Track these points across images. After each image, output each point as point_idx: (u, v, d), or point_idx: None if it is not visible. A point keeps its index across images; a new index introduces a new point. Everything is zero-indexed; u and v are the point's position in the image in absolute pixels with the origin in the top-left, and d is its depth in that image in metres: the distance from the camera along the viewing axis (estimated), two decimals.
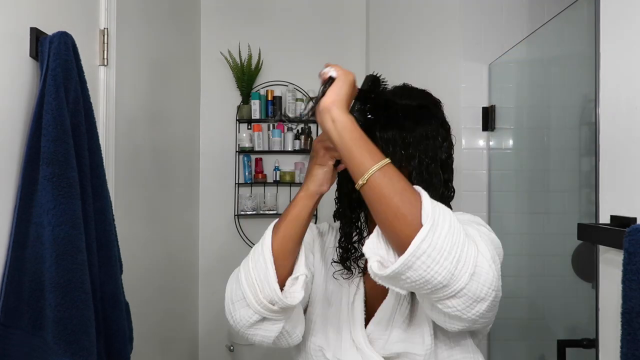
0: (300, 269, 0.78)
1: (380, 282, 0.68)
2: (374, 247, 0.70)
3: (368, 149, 0.70)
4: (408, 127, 0.83)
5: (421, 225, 0.64)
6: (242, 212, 2.61)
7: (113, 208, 1.17)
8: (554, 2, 1.90)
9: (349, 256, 0.90)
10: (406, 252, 0.63)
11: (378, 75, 0.84)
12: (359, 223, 0.92)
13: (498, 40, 1.93)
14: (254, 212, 2.59)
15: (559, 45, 1.67)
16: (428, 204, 0.66)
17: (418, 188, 0.70)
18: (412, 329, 0.84)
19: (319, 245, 0.97)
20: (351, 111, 0.77)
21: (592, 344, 1.29)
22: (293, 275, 0.78)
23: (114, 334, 1.11)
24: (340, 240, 0.92)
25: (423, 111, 0.86)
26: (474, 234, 0.70)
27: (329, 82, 0.75)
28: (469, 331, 0.85)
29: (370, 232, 0.93)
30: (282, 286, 0.77)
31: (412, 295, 0.85)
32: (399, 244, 0.66)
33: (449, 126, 0.90)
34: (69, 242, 0.94)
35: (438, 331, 0.84)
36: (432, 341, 0.82)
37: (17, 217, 0.94)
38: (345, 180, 0.89)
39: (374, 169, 0.68)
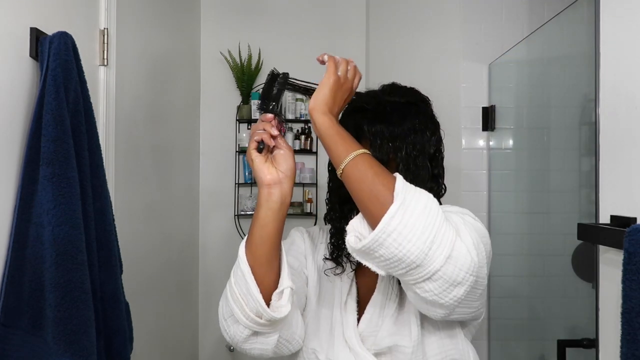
0: (285, 282, 0.78)
1: (355, 256, 0.71)
2: (357, 226, 0.73)
3: (343, 143, 0.75)
4: (395, 121, 0.85)
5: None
6: (242, 212, 2.61)
7: (113, 208, 1.17)
8: (554, 2, 1.90)
9: (341, 252, 0.91)
10: (376, 229, 0.65)
11: (274, 71, 0.88)
12: (351, 216, 0.92)
13: (498, 40, 1.93)
14: (254, 212, 2.59)
15: (559, 45, 1.67)
16: (400, 184, 0.68)
17: (396, 174, 0.72)
18: (400, 323, 0.84)
19: (310, 248, 0.98)
20: (259, 108, 0.86)
21: (592, 344, 1.29)
22: (278, 290, 0.77)
23: (114, 334, 1.11)
24: (331, 236, 0.92)
25: (411, 107, 0.88)
26: (457, 221, 0.71)
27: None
28: (458, 322, 0.85)
29: None
30: (268, 301, 0.76)
31: (400, 289, 0.86)
32: (374, 225, 0.68)
33: (438, 122, 0.91)
34: (69, 242, 0.94)
35: (426, 322, 0.84)
36: (418, 332, 0.82)
37: (17, 217, 0.94)
38: (334, 176, 0.89)
39: (348, 159, 0.73)
